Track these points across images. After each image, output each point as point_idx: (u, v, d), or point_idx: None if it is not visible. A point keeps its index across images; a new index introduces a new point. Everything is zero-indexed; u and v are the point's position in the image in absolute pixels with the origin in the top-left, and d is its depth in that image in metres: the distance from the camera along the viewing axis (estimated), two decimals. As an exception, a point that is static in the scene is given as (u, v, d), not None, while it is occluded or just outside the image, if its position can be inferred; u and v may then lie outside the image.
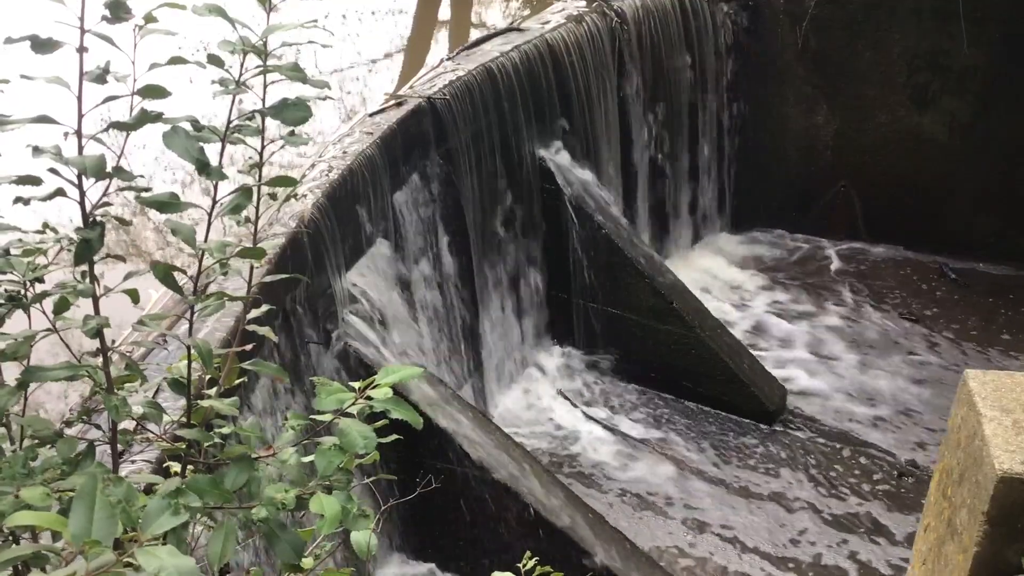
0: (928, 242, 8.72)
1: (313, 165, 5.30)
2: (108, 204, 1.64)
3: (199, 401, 1.87)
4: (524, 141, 6.72)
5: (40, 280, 1.73)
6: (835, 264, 8.81)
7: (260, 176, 1.80)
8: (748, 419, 6.85)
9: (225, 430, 1.87)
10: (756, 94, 8.77)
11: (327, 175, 5.09)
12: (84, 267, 1.67)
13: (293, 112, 1.72)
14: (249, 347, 1.95)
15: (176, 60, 1.66)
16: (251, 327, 1.96)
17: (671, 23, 7.95)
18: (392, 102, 5.94)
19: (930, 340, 7.75)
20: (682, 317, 6.80)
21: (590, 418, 6.87)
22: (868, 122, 8.64)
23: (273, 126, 1.77)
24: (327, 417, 1.66)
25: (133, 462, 2.96)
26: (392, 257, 5.66)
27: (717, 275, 8.60)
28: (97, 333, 1.68)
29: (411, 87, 6.31)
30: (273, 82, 1.74)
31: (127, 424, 1.89)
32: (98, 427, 1.98)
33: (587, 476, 6.36)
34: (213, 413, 1.87)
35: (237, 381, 1.94)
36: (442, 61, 6.67)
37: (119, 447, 1.87)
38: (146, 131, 1.65)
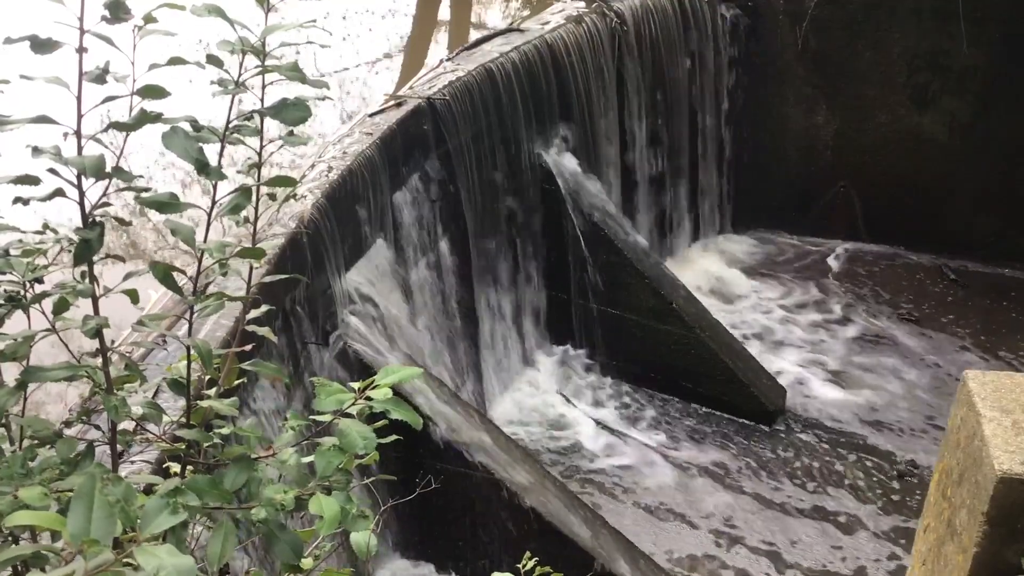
0: (928, 242, 8.72)
1: (313, 165, 5.30)
2: (108, 204, 1.64)
3: (199, 401, 1.87)
4: (524, 141, 6.72)
5: (40, 280, 1.73)
6: (835, 264, 8.81)
7: (259, 176, 1.80)
8: (748, 420, 6.85)
9: (225, 430, 1.87)
10: (756, 94, 8.77)
11: (327, 175, 5.09)
12: (83, 267, 1.67)
13: (292, 112, 1.72)
14: (249, 347, 1.95)
15: (175, 60, 1.66)
16: (251, 327, 1.95)
17: (671, 23, 7.95)
18: (392, 103, 5.94)
19: (930, 340, 7.75)
20: (682, 317, 6.80)
21: (589, 418, 6.86)
22: (868, 122, 8.64)
23: (272, 126, 1.77)
24: (327, 417, 1.66)
25: (132, 462, 2.96)
26: (392, 257, 5.66)
27: (717, 275, 8.60)
28: (96, 333, 1.68)
29: (411, 87, 6.31)
30: (272, 82, 1.74)
31: (126, 424, 1.89)
32: (97, 427, 1.98)
33: (586, 476, 6.36)
34: (213, 414, 1.87)
35: (237, 382, 1.94)
36: (442, 61, 6.67)
37: (119, 447, 1.87)
38: (146, 131, 1.65)
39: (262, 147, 1.78)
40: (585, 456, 6.54)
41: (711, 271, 8.65)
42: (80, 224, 1.61)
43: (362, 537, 1.74)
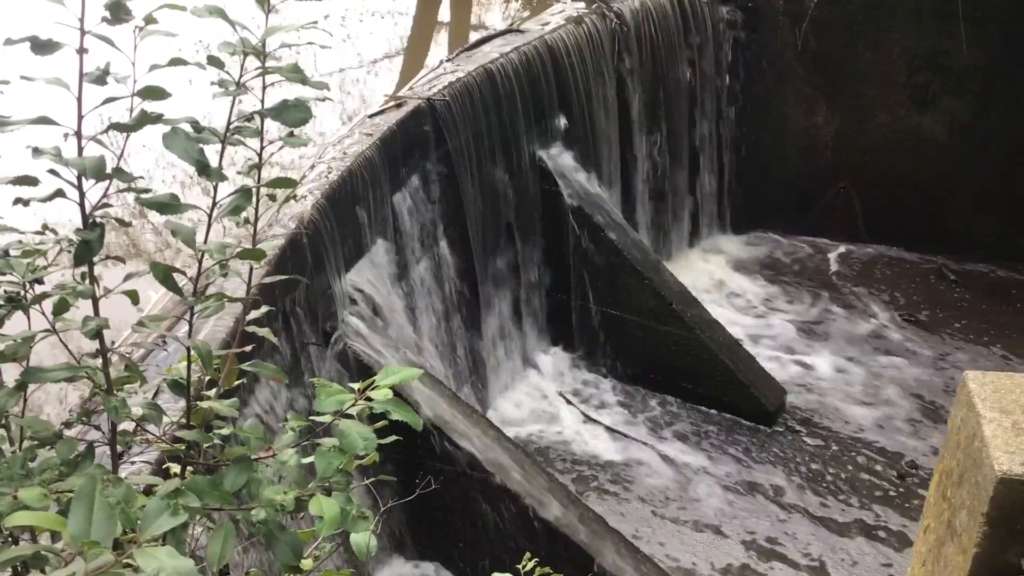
0: (928, 242, 8.72)
1: (313, 166, 5.30)
2: (108, 205, 1.64)
3: (199, 402, 1.87)
4: (524, 142, 6.72)
5: (40, 281, 1.73)
6: (835, 265, 8.81)
7: (260, 177, 1.80)
8: (748, 420, 6.85)
9: (225, 431, 1.87)
10: (756, 94, 8.77)
11: (327, 176, 5.09)
12: (84, 268, 1.67)
13: (293, 113, 1.72)
14: (248, 348, 1.95)
15: (176, 61, 1.66)
16: (251, 328, 1.95)
17: (670, 24, 7.95)
18: (392, 103, 5.94)
19: (930, 341, 7.75)
20: (682, 318, 6.80)
21: (589, 419, 6.86)
22: (868, 122, 8.64)
23: (273, 127, 1.77)
24: (327, 418, 1.66)
25: (133, 463, 2.96)
26: (392, 258, 5.66)
27: (717, 276, 8.60)
28: (96, 334, 1.68)
29: (411, 88, 6.32)
30: (273, 83, 1.74)
31: (127, 425, 1.89)
32: (98, 428, 1.98)
33: (586, 476, 6.36)
34: (213, 414, 1.87)
35: (237, 382, 1.94)
36: (442, 62, 6.67)
37: (119, 448, 1.87)
38: (146, 132, 1.65)
39: (262, 148, 1.78)
40: (585, 456, 6.54)
41: (711, 271, 8.65)
42: (80, 225, 1.62)
43: (362, 538, 1.74)
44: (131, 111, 1.60)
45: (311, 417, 1.74)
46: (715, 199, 8.97)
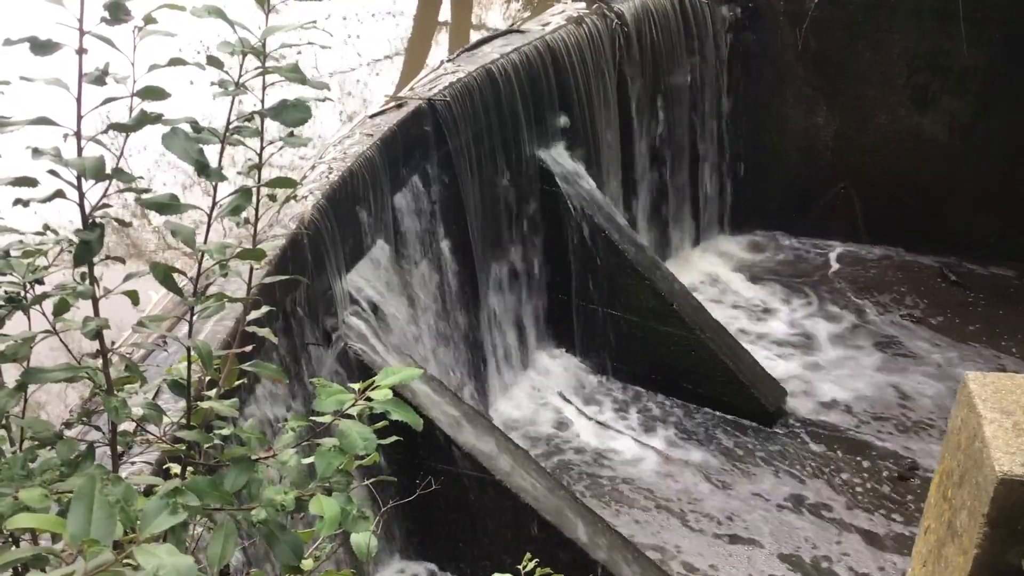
0: (928, 242, 8.72)
1: (313, 167, 5.30)
2: (108, 206, 1.64)
3: (199, 403, 1.87)
4: (524, 143, 6.72)
5: (40, 282, 1.73)
6: (835, 265, 8.81)
7: (260, 177, 1.80)
8: (748, 420, 6.85)
9: (225, 431, 1.87)
10: (756, 95, 8.77)
11: (327, 176, 5.09)
12: (84, 268, 1.67)
13: (292, 113, 1.72)
14: (249, 348, 1.95)
15: (175, 61, 1.66)
16: (251, 328, 1.95)
17: (671, 25, 7.95)
18: (392, 104, 5.95)
19: (930, 341, 7.75)
20: (682, 319, 6.80)
21: (590, 419, 6.86)
22: (868, 122, 8.64)
23: (273, 127, 1.77)
24: (327, 418, 1.66)
25: (133, 463, 2.96)
26: (392, 258, 5.66)
27: (717, 276, 8.60)
28: (97, 335, 1.68)
29: (411, 89, 6.32)
30: (272, 84, 1.74)
31: (127, 425, 1.89)
32: (98, 428, 1.98)
33: (587, 477, 6.36)
34: (213, 415, 1.87)
35: (237, 383, 1.94)
36: (442, 63, 6.67)
37: (119, 448, 1.87)
38: (146, 133, 1.65)
39: (262, 148, 1.78)
40: (585, 457, 6.54)
41: (711, 272, 8.65)
42: (80, 225, 1.62)
43: (362, 538, 1.74)
44: (131, 111, 1.60)
45: (311, 417, 1.74)
46: (715, 199, 8.97)
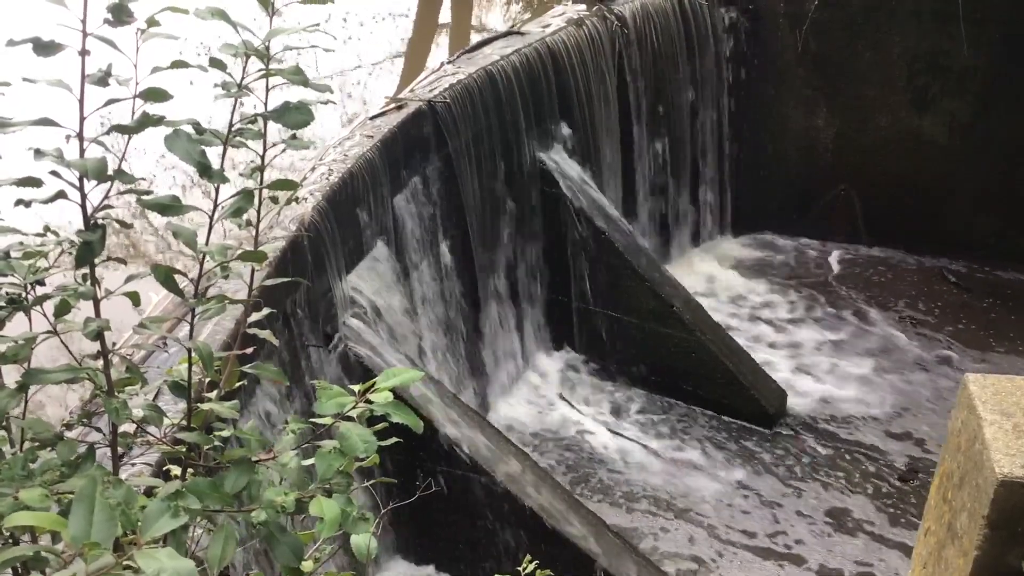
0: (928, 243, 8.73)
1: (314, 168, 5.30)
2: (109, 207, 1.64)
3: (199, 404, 1.87)
4: (524, 144, 6.72)
5: (41, 283, 1.73)
6: (835, 266, 8.81)
7: (262, 179, 1.80)
8: (748, 422, 6.84)
9: (225, 433, 1.87)
10: (756, 96, 8.78)
11: (328, 178, 5.10)
12: (85, 270, 1.67)
13: (295, 116, 1.72)
14: (250, 350, 1.95)
15: (178, 63, 1.66)
16: (252, 330, 1.95)
17: (671, 26, 7.96)
18: (392, 105, 5.95)
19: (930, 342, 7.75)
20: (682, 320, 6.80)
21: (589, 420, 6.86)
22: (868, 123, 8.65)
23: (275, 129, 1.77)
24: (328, 420, 1.66)
25: (133, 465, 2.96)
26: (393, 260, 5.66)
27: (717, 278, 8.60)
28: (98, 336, 1.68)
29: (412, 90, 6.32)
30: (275, 86, 1.74)
31: (127, 427, 1.89)
32: (98, 430, 1.98)
33: (587, 478, 6.36)
34: (213, 416, 1.87)
35: (237, 384, 1.94)
36: (442, 64, 6.68)
37: (119, 450, 1.87)
38: (148, 134, 1.65)
39: (265, 150, 1.78)
40: (585, 458, 6.54)
41: (711, 273, 8.65)
42: (82, 226, 1.62)
43: (362, 540, 1.74)
44: (133, 113, 1.60)
45: (311, 419, 1.74)
46: (716, 200, 8.98)
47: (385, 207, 5.59)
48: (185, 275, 1.78)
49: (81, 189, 1.58)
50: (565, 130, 7.08)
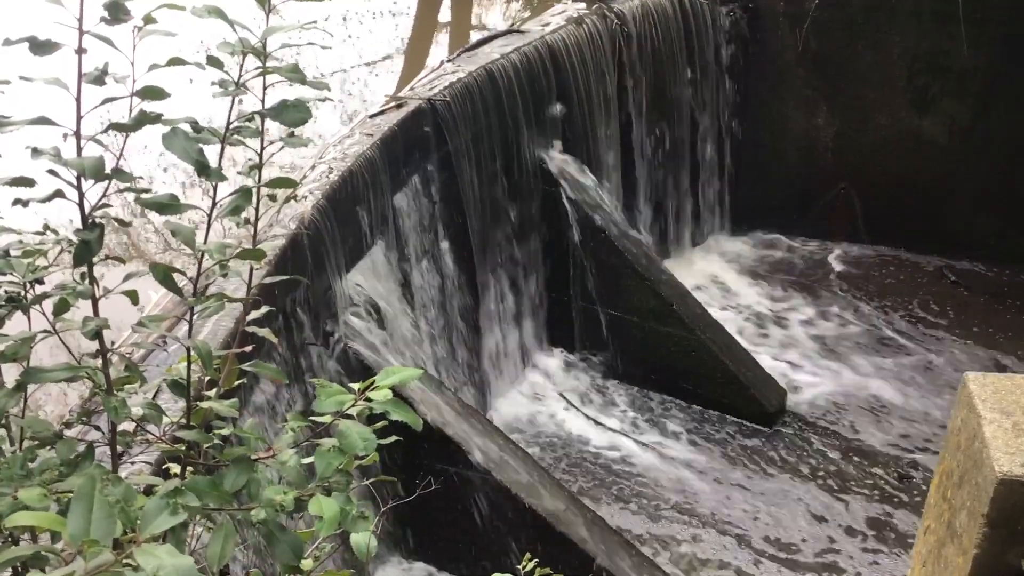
0: (928, 243, 8.72)
1: (313, 166, 5.30)
2: (107, 205, 1.64)
3: (199, 403, 1.87)
4: (524, 143, 6.72)
5: (40, 281, 1.73)
6: (835, 266, 8.81)
7: (260, 178, 1.80)
8: (748, 421, 6.84)
9: (224, 431, 1.87)
10: (756, 95, 8.77)
11: (327, 176, 5.09)
12: (83, 268, 1.67)
13: (293, 114, 1.72)
14: (248, 348, 1.95)
15: (175, 61, 1.66)
16: (251, 329, 1.95)
17: (671, 25, 7.95)
18: (392, 104, 5.95)
19: (930, 342, 7.75)
20: (682, 319, 6.79)
21: (589, 420, 6.86)
22: (868, 123, 8.64)
23: (273, 128, 1.77)
24: (327, 419, 1.66)
25: (133, 463, 2.96)
26: (392, 258, 5.66)
27: (717, 277, 8.60)
28: (96, 334, 1.68)
29: (411, 89, 6.32)
30: (273, 84, 1.74)
31: (126, 425, 1.89)
32: (97, 428, 1.98)
33: (586, 478, 6.36)
34: (213, 415, 1.87)
35: (237, 383, 1.94)
36: (442, 63, 6.67)
37: (119, 448, 1.87)
38: (145, 132, 1.65)
39: (263, 148, 1.78)
40: (585, 457, 6.54)
41: (711, 272, 8.65)
42: (80, 225, 1.62)
43: (362, 538, 1.74)
44: (130, 111, 1.60)
45: (311, 417, 1.74)
46: (715, 199, 8.98)
47: (385, 205, 5.59)
48: (184, 274, 1.78)
49: (79, 188, 1.58)
50: (565, 128, 7.07)
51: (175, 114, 1.65)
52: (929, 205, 8.61)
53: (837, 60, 8.50)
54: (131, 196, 1.67)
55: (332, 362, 4.92)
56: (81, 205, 1.59)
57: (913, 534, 5.68)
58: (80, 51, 1.55)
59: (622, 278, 6.89)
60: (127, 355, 1.90)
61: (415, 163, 5.91)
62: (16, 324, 1.73)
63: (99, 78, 1.58)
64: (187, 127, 1.63)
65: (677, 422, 6.89)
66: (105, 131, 1.63)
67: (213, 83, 1.69)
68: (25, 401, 1.74)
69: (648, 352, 7.01)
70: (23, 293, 1.71)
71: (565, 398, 7.02)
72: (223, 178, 1.70)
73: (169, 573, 1.18)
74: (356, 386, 1.68)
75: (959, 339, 7.76)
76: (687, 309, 6.88)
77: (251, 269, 1.91)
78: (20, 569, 1.54)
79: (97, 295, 1.70)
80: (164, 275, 1.70)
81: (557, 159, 6.96)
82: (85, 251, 1.60)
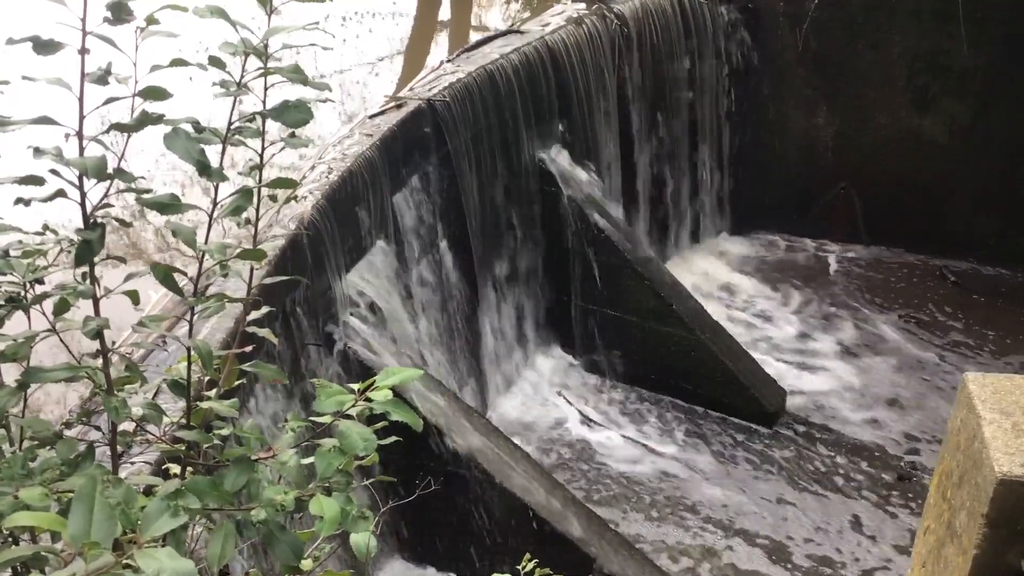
0: (928, 242, 8.73)
1: (313, 167, 5.30)
2: (109, 205, 1.64)
3: (199, 403, 1.87)
4: (524, 143, 6.72)
5: (40, 281, 1.73)
6: (835, 266, 8.81)
7: (260, 178, 1.80)
8: (748, 421, 6.84)
9: (224, 432, 1.87)
10: (756, 95, 8.78)
11: (327, 177, 5.09)
12: (84, 268, 1.67)
13: (294, 114, 1.72)
14: (249, 349, 1.95)
15: (177, 62, 1.66)
16: (251, 329, 1.95)
17: (671, 25, 7.95)
18: (392, 104, 5.95)
19: (930, 342, 7.75)
20: (682, 319, 6.79)
21: (588, 420, 6.86)
22: (868, 123, 8.65)
23: (274, 128, 1.77)
24: (327, 419, 1.66)
25: (133, 463, 2.96)
26: (392, 259, 5.66)
27: (717, 277, 8.60)
28: (97, 334, 1.68)
29: (411, 89, 6.32)
30: (274, 84, 1.74)
31: (127, 425, 1.89)
32: (98, 428, 1.98)
33: (586, 477, 6.36)
34: (213, 415, 1.87)
35: (237, 383, 1.94)
36: (442, 63, 6.67)
37: (119, 448, 1.87)
38: (147, 133, 1.65)
39: (264, 149, 1.78)
40: (585, 457, 6.54)
41: (711, 272, 8.65)
42: (81, 225, 1.62)
43: (362, 538, 1.74)
44: (132, 111, 1.60)
45: (311, 418, 1.74)
46: (715, 199, 8.98)
47: (385, 205, 5.59)
48: (184, 273, 1.78)
49: (80, 188, 1.58)
50: (564, 129, 7.07)
51: (177, 114, 1.65)
52: (929, 205, 8.61)
53: (837, 60, 8.50)
54: (132, 196, 1.67)
55: (332, 362, 4.92)
56: (83, 205, 1.59)
57: (912, 534, 5.68)
58: (83, 51, 1.55)
59: (622, 278, 6.89)
60: (127, 355, 1.90)
61: (415, 163, 5.91)
62: (16, 324, 1.73)
63: (102, 78, 1.58)
64: (189, 127, 1.63)
65: (676, 422, 6.89)
66: (107, 131, 1.63)
67: (214, 83, 1.69)
68: (25, 401, 1.74)
69: (648, 352, 7.01)
70: (23, 293, 1.71)
71: (564, 397, 7.02)
72: (224, 178, 1.70)
73: (169, 575, 1.18)
74: (356, 386, 1.67)
75: (959, 339, 7.77)
76: (687, 309, 6.89)
77: (251, 269, 1.91)
78: (20, 569, 1.54)
79: (98, 295, 1.70)
80: (165, 275, 1.70)
81: (557, 159, 6.96)
82: (87, 251, 1.60)
